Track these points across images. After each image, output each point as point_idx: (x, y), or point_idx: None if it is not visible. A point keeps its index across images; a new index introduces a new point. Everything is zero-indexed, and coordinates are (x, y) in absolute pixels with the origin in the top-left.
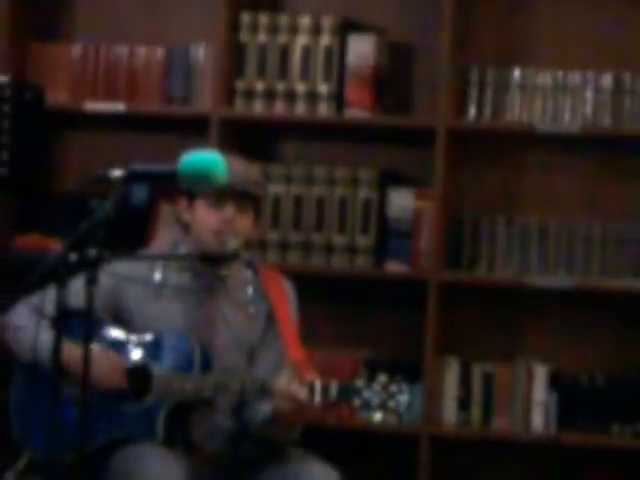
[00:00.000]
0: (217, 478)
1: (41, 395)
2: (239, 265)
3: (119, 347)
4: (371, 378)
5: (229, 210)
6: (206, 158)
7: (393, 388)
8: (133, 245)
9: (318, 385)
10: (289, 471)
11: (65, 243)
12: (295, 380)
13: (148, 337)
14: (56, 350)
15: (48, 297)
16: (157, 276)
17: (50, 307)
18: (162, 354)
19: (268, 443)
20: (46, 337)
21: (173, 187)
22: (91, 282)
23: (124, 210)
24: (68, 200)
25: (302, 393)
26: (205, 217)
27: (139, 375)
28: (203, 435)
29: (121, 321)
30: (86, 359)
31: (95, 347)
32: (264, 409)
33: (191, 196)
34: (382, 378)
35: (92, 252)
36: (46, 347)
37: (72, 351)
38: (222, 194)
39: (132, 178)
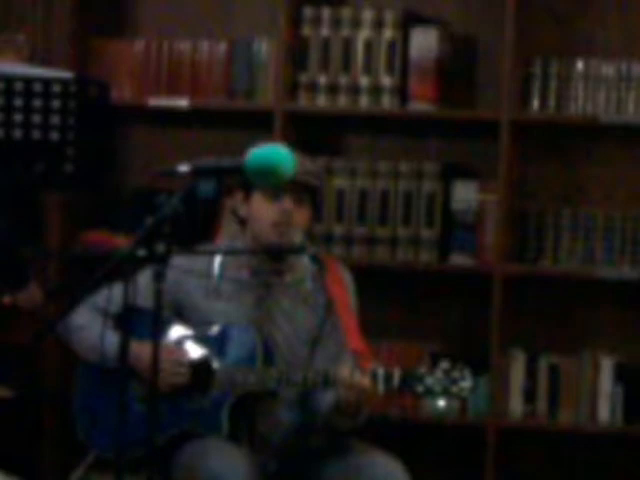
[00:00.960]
0: (282, 471)
1: (107, 391)
2: (300, 258)
3: (183, 344)
4: (434, 366)
5: (287, 202)
6: (273, 152)
7: (455, 374)
8: (200, 240)
9: (381, 373)
10: (354, 463)
11: (133, 238)
12: (357, 369)
13: (211, 332)
14: (123, 347)
15: (114, 296)
16: (216, 272)
17: (115, 306)
18: (225, 348)
19: (333, 435)
20: (111, 337)
21: (231, 181)
22: (159, 278)
23: (191, 205)
24: (133, 196)
25: (365, 381)
26: (263, 210)
27: (201, 370)
28: (268, 428)
29: (181, 315)
30: (155, 356)
31: (161, 344)
32: (328, 399)
33: (247, 189)
34: (444, 364)
35: (160, 247)
36: (112, 347)
37: (138, 350)
38: (280, 186)
39: (199, 173)
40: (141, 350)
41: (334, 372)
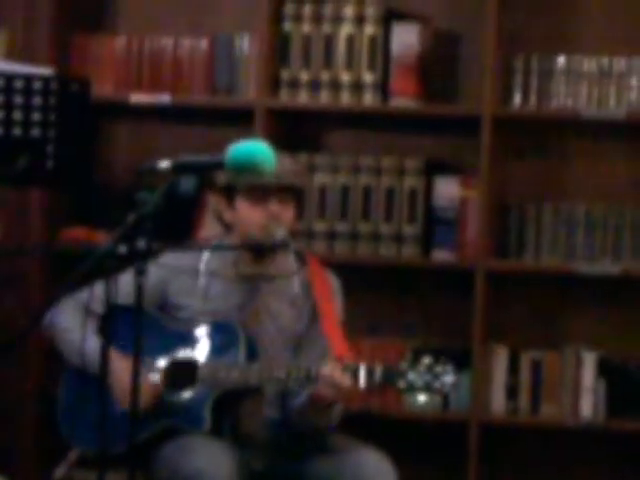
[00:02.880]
0: (266, 469)
1: (90, 389)
2: (286, 256)
3: (172, 343)
4: (416, 361)
5: (274, 205)
6: (253, 148)
7: (438, 369)
8: (180, 237)
9: (363, 369)
10: (339, 459)
11: (114, 235)
12: (338, 368)
13: (195, 329)
14: (104, 351)
15: (95, 294)
16: (203, 270)
17: (97, 304)
18: (209, 345)
19: (316, 432)
20: (93, 344)
21: (213, 186)
22: (140, 274)
23: (172, 201)
24: (114, 192)
25: (346, 380)
26: (250, 214)
27: (184, 366)
28: (252, 426)
29: (166, 313)
30: (137, 354)
31: (124, 367)
32: (302, 396)
33: (229, 194)
34: (426, 360)
35: (141, 244)
36: (93, 355)
37: (118, 366)
38: (264, 190)
39: (180, 169)
40: (119, 366)
41: (316, 369)
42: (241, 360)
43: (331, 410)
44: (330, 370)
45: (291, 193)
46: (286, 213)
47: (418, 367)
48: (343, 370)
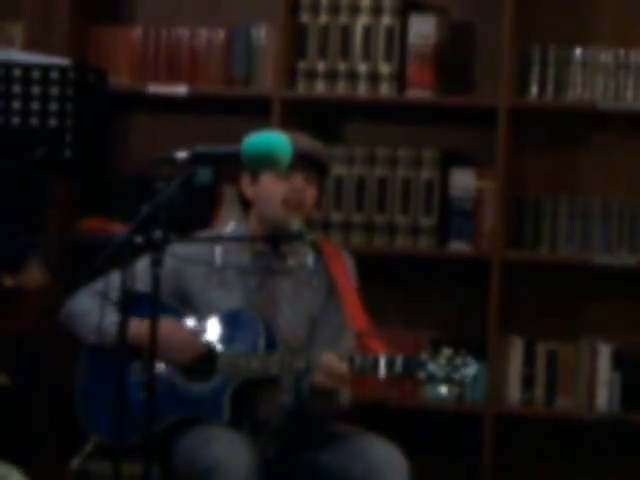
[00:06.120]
0: (282, 458)
1: (107, 378)
2: (301, 246)
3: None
4: (435, 353)
5: (298, 179)
6: (270, 139)
7: (458, 361)
8: (197, 227)
9: (383, 359)
10: (352, 448)
11: (130, 225)
12: (336, 356)
13: (214, 320)
14: (122, 332)
15: (112, 282)
16: (218, 258)
17: (114, 293)
18: (228, 335)
19: (324, 418)
20: (112, 317)
21: (236, 166)
22: (156, 264)
23: (189, 192)
24: (131, 183)
25: (342, 367)
26: (273, 187)
27: (204, 357)
28: (269, 413)
29: (183, 302)
30: (153, 339)
31: (166, 319)
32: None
33: (255, 171)
34: (447, 351)
35: (157, 234)
36: (112, 326)
37: (140, 327)
38: (291, 164)
39: (197, 160)
40: (143, 327)
41: (317, 358)
42: (261, 348)
43: (335, 397)
44: (327, 359)
45: (315, 173)
46: (309, 191)
47: (439, 358)
48: (339, 358)
